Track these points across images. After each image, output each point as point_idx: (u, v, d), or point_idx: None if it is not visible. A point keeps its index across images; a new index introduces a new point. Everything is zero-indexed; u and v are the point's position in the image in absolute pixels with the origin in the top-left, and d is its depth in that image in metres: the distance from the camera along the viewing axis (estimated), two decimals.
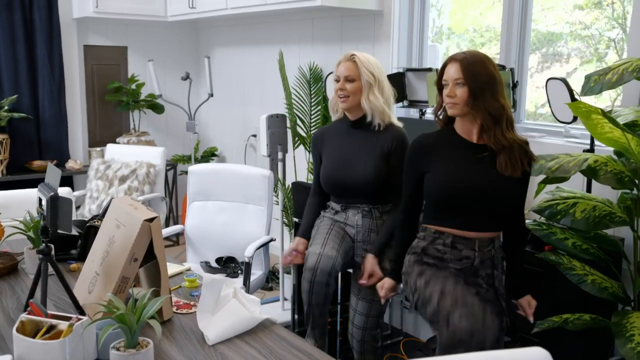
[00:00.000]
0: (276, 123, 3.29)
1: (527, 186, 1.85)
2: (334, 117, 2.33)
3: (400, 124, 2.22)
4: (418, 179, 1.87)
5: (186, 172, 3.58)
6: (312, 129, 3.77)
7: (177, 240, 4.84)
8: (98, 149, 4.58)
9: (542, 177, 2.14)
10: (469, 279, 1.80)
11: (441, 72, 1.83)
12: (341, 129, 2.25)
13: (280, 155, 3.34)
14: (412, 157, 1.87)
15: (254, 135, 4.60)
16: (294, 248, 2.29)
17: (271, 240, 2.81)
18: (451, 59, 1.78)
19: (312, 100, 3.78)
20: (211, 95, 4.45)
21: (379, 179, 2.14)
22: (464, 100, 1.75)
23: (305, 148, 3.72)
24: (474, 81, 1.73)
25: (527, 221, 2.16)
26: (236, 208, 2.86)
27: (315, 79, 3.79)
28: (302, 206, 2.88)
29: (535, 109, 3.01)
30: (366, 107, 2.14)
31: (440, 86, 1.84)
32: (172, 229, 2.91)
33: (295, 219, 3.26)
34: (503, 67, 2.69)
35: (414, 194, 1.91)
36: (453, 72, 1.76)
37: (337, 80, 2.18)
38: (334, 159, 2.24)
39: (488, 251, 1.81)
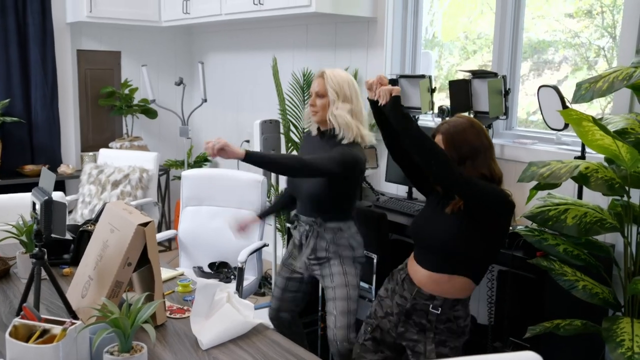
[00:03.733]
0: (269, 128, 3.29)
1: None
2: (307, 127, 2.39)
3: (372, 141, 2.23)
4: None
5: (179, 178, 3.58)
6: (305, 134, 3.76)
7: (169, 245, 4.82)
8: (90, 153, 4.56)
9: (533, 183, 2.15)
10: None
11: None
12: (314, 137, 2.32)
13: None
14: None
15: (247, 141, 4.60)
16: (242, 222, 2.38)
17: (264, 245, 2.82)
18: (437, 131, 1.83)
19: (306, 106, 3.78)
20: (205, 100, 4.44)
21: (323, 191, 2.18)
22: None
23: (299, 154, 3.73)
24: (456, 152, 1.77)
25: (519, 227, 2.19)
26: (230, 213, 2.85)
27: (308, 85, 3.78)
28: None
29: (527, 116, 3.03)
30: (332, 121, 2.18)
31: None
32: (165, 234, 2.92)
33: (289, 225, 3.27)
34: (495, 75, 2.71)
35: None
36: (439, 144, 1.80)
37: (310, 96, 2.25)
38: None
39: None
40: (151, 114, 4.76)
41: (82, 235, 2.10)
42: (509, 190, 1.80)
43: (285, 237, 3.59)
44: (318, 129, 2.30)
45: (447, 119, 1.90)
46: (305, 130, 2.48)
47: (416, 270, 1.88)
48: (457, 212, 1.80)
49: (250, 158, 1.95)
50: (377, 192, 3.23)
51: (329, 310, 2.25)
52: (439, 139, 1.81)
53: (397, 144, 1.96)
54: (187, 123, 4.66)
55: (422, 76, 3.00)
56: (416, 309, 1.85)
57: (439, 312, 1.82)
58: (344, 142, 2.17)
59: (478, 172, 1.78)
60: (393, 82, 3.19)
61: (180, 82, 4.45)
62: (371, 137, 2.24)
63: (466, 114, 2.67)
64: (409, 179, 2.00)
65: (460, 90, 2.79)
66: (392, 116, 1.79)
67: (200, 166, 5.01)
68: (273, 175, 3.53)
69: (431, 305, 1.83)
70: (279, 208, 2.50)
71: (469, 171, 1.77)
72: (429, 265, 1.85)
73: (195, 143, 5.17)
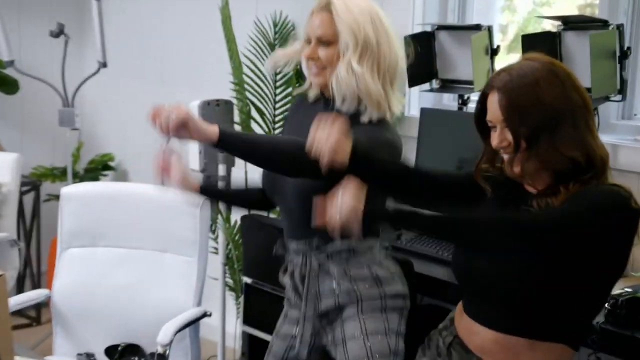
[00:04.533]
0: (216, 114, 3.29)
1: None
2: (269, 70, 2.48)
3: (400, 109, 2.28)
4: None
5: (57, 197, 3.53)
6: (277, 124, 3.77)
7: (37, 316, 4.77)
8: None
9: None
10: None
11: (481, 105, 1.93)
12: (313, 107, 2.33)
13: (221, 169, 3.34)
14: None
15: None
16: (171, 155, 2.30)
17: (204, 315, 2.81)
18: (491, 86, 1.87)
19: (278, 76, 3.77)
20: (103, 64, 4.41)
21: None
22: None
23: None
24: (523, 122, 1.82)
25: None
26: (145, 260, 2.86)
27: (283, 40, 3.78)
28: (256, 256, 2.85)
29: None
30: (344, 87, 2.18)
31: (482, 128, 1.95)
32: (30, 296, 2.91)
33: (247, 279, 3.25)
34: (604, 24, 2.72)
35: None
36: (495, 108, 1.85)
37: (308, 42, 2.26)
38: None
39: None
40: (7, 86, 4.73)
41: None
42: (623, 186, 1.82)
43: (242, 299, 3.57)
44: (322, 93, 2.32)
45: (509, 64, 1.91)
46: (296, 96, 2.50)
47: (472, 330, 1.90)
48: None
49: (226, 141, 2.01)
50: None
51: None
52: (493, 100, 1.85)
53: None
54: (73, 103, 4.63)
55: (476, 27, 3.02)
56: None
57: None
58: (363, 119, 2.21)
59: (563, 155, 1.79)
60: (427, 36, 3.21)
61: (59, 33, 4.41)
62: (401, 104, 2.29)
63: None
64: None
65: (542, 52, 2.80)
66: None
67: (96, 178, 4.97)
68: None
69: None
70: (235, 192, 2.51)
71: (546, 154, 1.80)
72: (492, 322, 1.86)
73: (87, 137, 5.14)
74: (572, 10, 3.26)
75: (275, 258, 2.47)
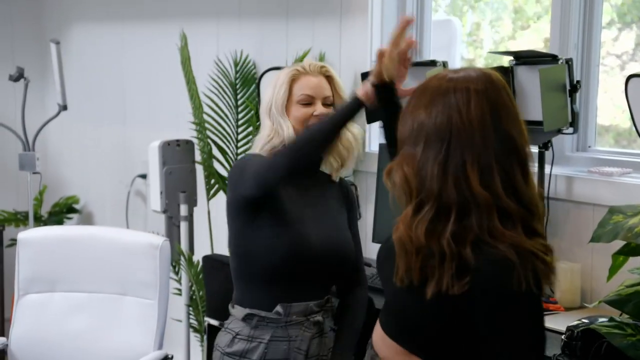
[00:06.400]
0: (177, 155, 3.31)
1: None
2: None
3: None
4: None
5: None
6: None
7: None
8: None
9: (618, 244, 2.18)
10: None
11: None
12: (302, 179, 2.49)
13: (183, 210, 3.33)
14: None
15: (143, 176, 4.57)
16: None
17: (165, 358, 2.78)
18: None
19: (240, 115, 3.78)
20: (63, 107, 4.39)
21: (350, 253, 2.51)
22: None
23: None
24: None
25: (601, 320, 2.20)
26: (104, 304, 2.84)
27: (245, 80, 3.80)
28: (219, 296, 2.85)
29: (613, 124, 3.09)
30: (345, 152, 2.46)
31: None
32: None
33: (211, 321, 3.23)
34: (554, 58, 2.75)
35: None
36: None
37: (306, 104, 2.36)
38: (305, 215, 2.40)
39: None
40: None
41: None
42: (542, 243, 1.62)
43: (205, 340, 3.55)
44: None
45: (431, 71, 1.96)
46: None
47: (378, 335, 1.79)
48: None
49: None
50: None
51: None
52: None
53: None
54: (33, 147, 4.61)
55: (432, 62, 3.02)
56: None
57: None
58: (335, 178, 2.52)
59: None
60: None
61: (18, 77, 4.41)
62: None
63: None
64: None
65: None
66: None
67: (60, 221, 4.95)
68: (183, 234, 3.52)
69: None
70: None
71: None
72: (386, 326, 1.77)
73: (49, 180, 5.11)
74: (538, 44, 3.30)
75: None
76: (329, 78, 2.42)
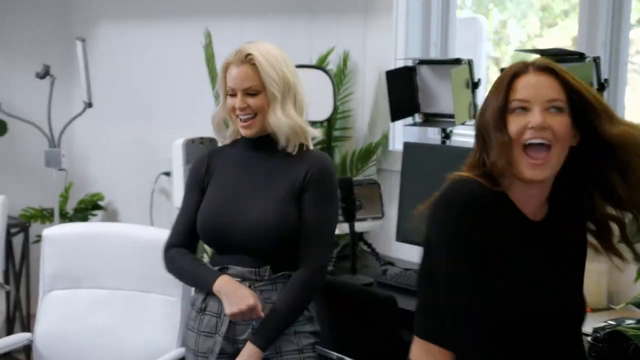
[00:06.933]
0: (200, 152, 3.28)
1: None
2: (221, 139, 2.62)
3: (319, 137, 2.71)
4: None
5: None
6: (217, 149, 3.74)
7: (27, 359, 4.74)
8: None
9: None
10: None
11: (508, 87, 1.76)
12: (237, 155, 2.54)
13: None
14: (465, 225, 1.76)
15: (167, 174, 4.57)
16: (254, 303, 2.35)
17: None
18: (534, 66, 1.76)
19: (216, 110, 3.78)
20: (89, 105, 4.41)
21: (283, 229, 2.41)
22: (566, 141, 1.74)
23: None
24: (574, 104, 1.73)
25: (628, 322, 2.20)
26: (127, 300, 2.86)
27: None
28: None
29: None
30: (277, 129, 2.41)
31: (502, 112, 1.75)
32: (7, 342, 2.90)
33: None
34: (581, 56, 2.72)
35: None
36: (545, 88, 1.74)
37: (232, 95, 2.41)
38: (218, 195, 2.50)
39: None
40: None
41: None
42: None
43: None
44: (255, 140, 2.48)
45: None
46: (209, 150, 2.67)
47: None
48: None
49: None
50: (383, 259, 3.24)
51: None
52: (544, 81, 1.75)
53: None
54: (59, 144, 4.63)
55: (456, 61, 3.03)
56: None
57: None
58: (289, 149, 2.45)
59: None
60: (408, 71, 3.23)
61: (45, 74, 4.43)
62: (318, 132, 2.62)
63: None
64: None
65: None
66: None
67: (85, 218, 4.97)
68: None
69: None
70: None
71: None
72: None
73: (75, 177, 5.14)
74: (566, 42, 3.27)
75: None
76: (254, 66, 2.38)
